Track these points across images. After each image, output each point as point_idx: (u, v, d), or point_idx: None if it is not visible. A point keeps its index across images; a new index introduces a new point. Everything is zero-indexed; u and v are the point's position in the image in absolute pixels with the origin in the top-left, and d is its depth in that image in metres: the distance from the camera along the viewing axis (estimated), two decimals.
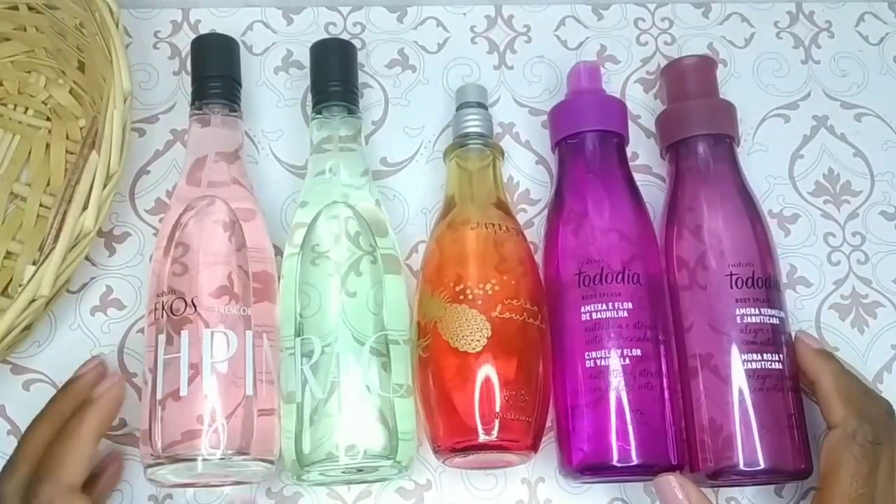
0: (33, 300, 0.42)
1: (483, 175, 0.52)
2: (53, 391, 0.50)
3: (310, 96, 0.52)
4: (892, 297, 0.55)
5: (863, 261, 0.55)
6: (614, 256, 0.48)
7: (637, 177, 0.53)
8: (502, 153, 0.53)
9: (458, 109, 0.54)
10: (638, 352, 0.46)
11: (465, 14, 0.60)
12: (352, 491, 0.49)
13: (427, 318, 0.47)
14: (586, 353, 0.46)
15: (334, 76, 0.52)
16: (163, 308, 0.45)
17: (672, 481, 0.44)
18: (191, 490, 0.49)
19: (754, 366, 0.46)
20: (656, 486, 0.45)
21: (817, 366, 0.46)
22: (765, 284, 0.48)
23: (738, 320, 0.47)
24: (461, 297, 0.46)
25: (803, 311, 0.54)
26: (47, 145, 0.56)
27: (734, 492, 0.50)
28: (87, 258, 0.52)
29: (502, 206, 0.51)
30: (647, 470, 0.45)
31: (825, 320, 0.54)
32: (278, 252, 0.51)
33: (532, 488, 0.50)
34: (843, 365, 0.47)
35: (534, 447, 0.46)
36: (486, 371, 0.45)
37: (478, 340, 0.45)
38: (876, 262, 0.56)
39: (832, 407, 0.45)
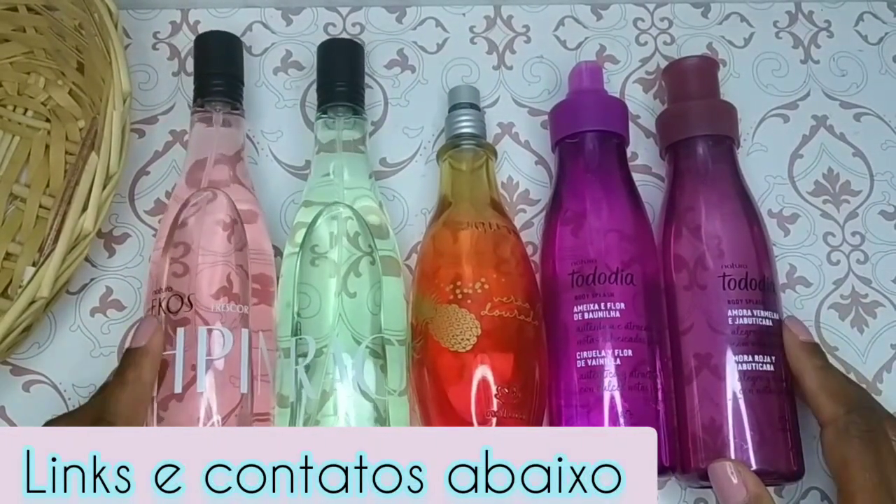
0: (33, 301, 0.42)
1: (477, 175, 0.51)
2: (53, 392, 0.50)
3: (309, 97, 0.51)
4: (892, 296, 0.55)
5: (862, 260, 0.55)
6: (611, 257, 0.48)
7: (636, 177, 0.53)
8: (495, 153, 0.53)
9: (450, 111, 0.54)
10: (630, 352, 0.46)
11: (464, 14, 0.60)
12: None
13: (419, 319, 0.47)
14: (578, 353, 0.46)
15: (342, 76, 0.51)
16: (160, 305, 0.45)
17: (727, 467, 0.43)
18: None
19: (745, 367, 0.46)
20: (710, 473, 0.44)
21: (801, 361, 0.46)
22: (758, 286, 0.48)
23: (731, 322, 0.47)
24: (451, 297, 0.46)
25: (803, 310, 0.54)
26: (47, 146, 0.56)
27: None
28: (86, 259, 0.52)
29: (496, 206, 0.50)
30: None
31: (825, 320, 0.54)
32: (277, 253, 0.51)
33: None
34: (826, 358, 0.47)
35: None
36: (478, 369, 0.45)
37: (468, 339, 0.45)
38: (875, 262, 0.55)
39: (820, 404, 0.45)
